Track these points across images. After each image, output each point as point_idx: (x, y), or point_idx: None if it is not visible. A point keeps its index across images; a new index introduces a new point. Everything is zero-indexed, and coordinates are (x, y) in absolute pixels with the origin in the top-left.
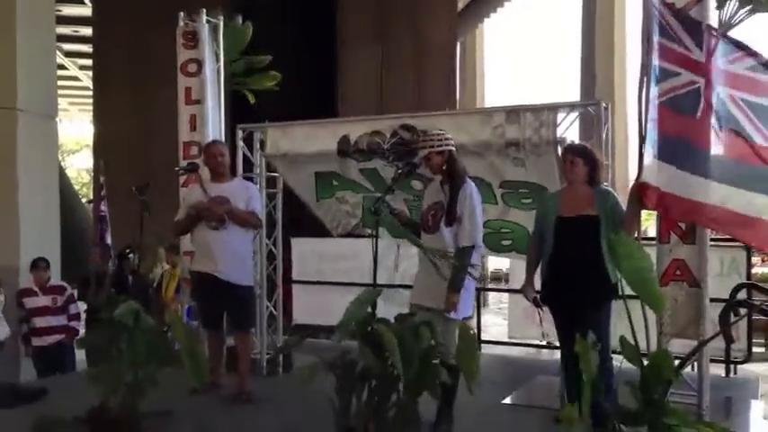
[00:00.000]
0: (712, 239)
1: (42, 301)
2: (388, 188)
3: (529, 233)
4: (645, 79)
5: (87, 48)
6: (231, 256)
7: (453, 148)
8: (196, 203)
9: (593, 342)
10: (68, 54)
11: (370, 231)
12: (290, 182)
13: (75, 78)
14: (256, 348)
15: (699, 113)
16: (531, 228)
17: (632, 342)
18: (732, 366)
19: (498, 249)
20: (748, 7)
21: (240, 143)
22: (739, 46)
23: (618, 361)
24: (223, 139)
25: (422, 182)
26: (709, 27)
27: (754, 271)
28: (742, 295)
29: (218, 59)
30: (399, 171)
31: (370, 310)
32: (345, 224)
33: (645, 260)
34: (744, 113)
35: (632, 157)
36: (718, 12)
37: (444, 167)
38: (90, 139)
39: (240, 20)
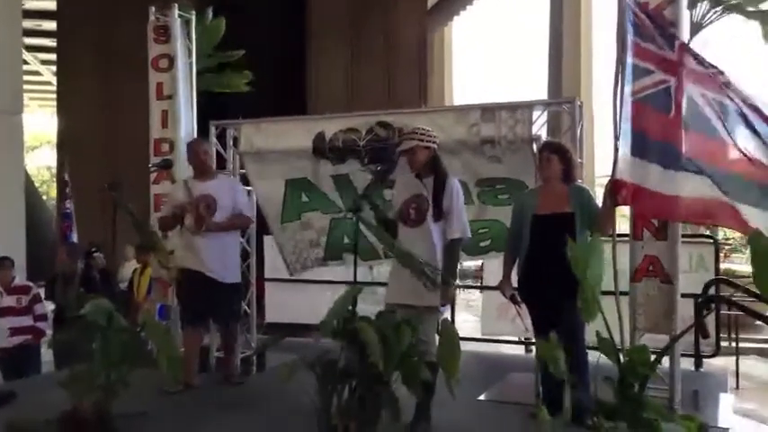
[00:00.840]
0: (682, 236)
1: (6, 301)
2: (361, 195)
3: (506, 228)
4: (620, 76)
5: (50, 42)
6: (218, 254)
7: (436, 146)
8: (181, 205)
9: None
10: (30, 48)
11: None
12: (260, 192)
13: (37, 73)
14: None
15: (672, 112)
16: (508, 223)
17: (607, 336)
18: (700, 360)
19: (476, 252)
20: (719, 8)
21: (213, 140)
22: (704, 64)
23: (594, 357)
24: (195, 135)
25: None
26: (675, 34)
27: (722, 267)
28: (712, 291)
29: (190, 55)
30: (373, 176)
31: (350, 307)
32: (306, 259)
33: (596, 267)
34: (714, 111)
35: (599, 153)
36: (689, 12)
37: (427, 163)
38: (51, 136)
39: (210, 14)
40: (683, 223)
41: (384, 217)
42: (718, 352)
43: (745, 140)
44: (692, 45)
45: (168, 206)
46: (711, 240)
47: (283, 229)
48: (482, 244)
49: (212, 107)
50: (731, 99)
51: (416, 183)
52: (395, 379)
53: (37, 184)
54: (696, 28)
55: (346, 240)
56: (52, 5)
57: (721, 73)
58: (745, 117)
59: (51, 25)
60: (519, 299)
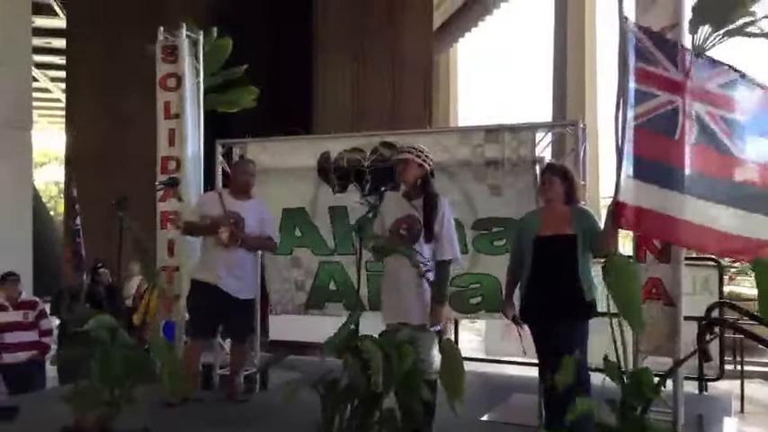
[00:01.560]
0: (686, 258)
1: (12, 316)
2: (358, 221)
3: (500, 285)
4: (621, 101)
5: (59, 59)
6: (236, 269)
7: (429, 168)
8: (217, 218)
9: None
10: (40, 66)
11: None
12: None
13: (46, 90)
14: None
15: (677, 133)
16: (503, 279)
17: (614, 359)
18: (704, 384)
19: (466, 310)
20: (721, 32)
21: (219, 158)
22: (714, 63)
23: (599, 379)
24: (202, 154)
25: None
26: (684, 47)
27: (725, 290)
28: (716, 314)
29: (197, 74)
30: (369, 208)
31: (352, 326)
32: (287, 303)
33: (635, 281)
34: (721, 128)
35: (603, 175)
36: (691, 37)
37: (419, 183)
38: (59, 152)
39: (215, 33)
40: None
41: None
42: (722, 375)
43: (755, 148)
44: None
45: (196, 213)
46: (716, 263)
47: (274, 261)
48: (472, 301)
49: (219, 125)
50: (736, 110)
51: (407, 204)
52: (395, 399)
53: (45, 200)
54: (698, 52)
55: (333, 287)
56: (62, 23)
57: (734, 70)
58: (755, 123)
59: (61, 43)
60: (521, 320)
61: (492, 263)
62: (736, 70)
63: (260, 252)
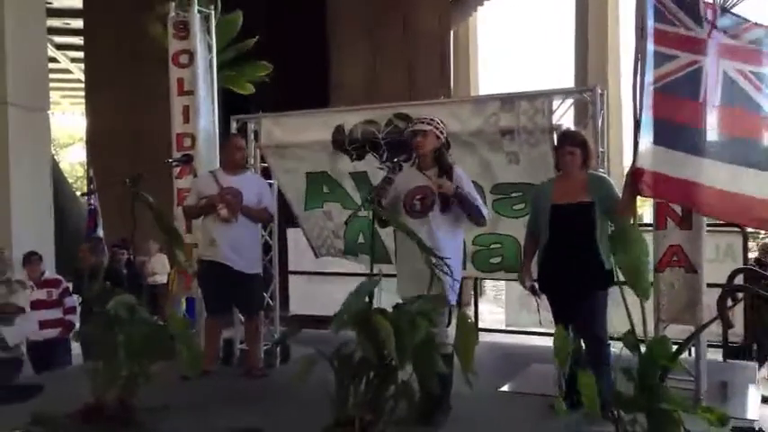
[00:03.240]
0: (708, 225)
1: (37, 294)
2: (378, 185)
3: (520, 246)
4: (639, 66)
5: (79, 40)
6: (240, 245)
7: (444, 140)
8: (211, 196)
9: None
10: (60, 47)
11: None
12: (282, 183)
13: (67, 71)
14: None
15: (701, 95)
16: (522, 240)
17: (629, 328)
18: (729, 351)
19: (486, 269)
20: None
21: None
22: (741, 18)
23: (616, 348)
24: (216, 130)
25: None
26: (707, 3)
27: (750, 256)
28: (739, 280)
29: (210, 50)
30: (389, 173)
31: (367, 300)
32: (330, 246)
33: (640, 248)
34: (753, 85)
35: (626, 142)
36: None
37: (435, 154)
38: (83, 133)
39: (218, 5)
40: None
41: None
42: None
43: None
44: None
45: (194, 195)
46: (739, 229)
47: (308, 216)
48: (492, 260)
49: (235, 101)
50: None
51: (420, 175)
52: (411, 371)
53: (71, 180)
54: (724, 7)
55: (361, 240)
56: (79, 3)
57: (761, 25)
58: None
59: (79, 23)
60: (538, 290)
61: (512, 225)
62: (763, 26)
63: (260, 225)
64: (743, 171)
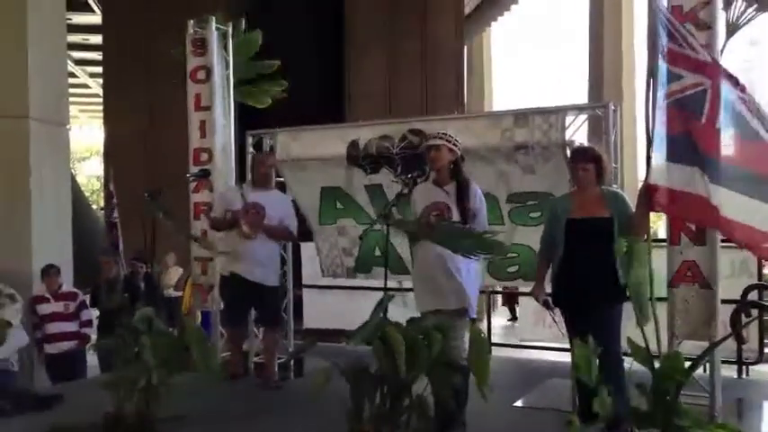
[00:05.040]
0: (723, 241)
1: (54, 307)
2: (389, 203)
3: (535, 256)
4: (651, 82)
5: (97, 55)
6: (260, 259)
7: (459, 154)
8: (235, 211)
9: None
10: (78, 62)
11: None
12: (298, 197)
13: (85, 86)
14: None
15: (704, 117)
16: (538, 248)
17: (643, 344)
18: (744, 367)
19: (504, 276)
20: (755, 6)
21: (249, 149)
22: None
23: (629, 363)
24: (233, 144)
25: None
26: (714, 28)
27: (765, 272)
28: (753, 296)
29: (227, 66)
30: (403, 188)
31: (381, 314)
32: (337, 267)
33: (643, 273)
34: (751, 111)
35: (641, 157)
36: (725, 12)
37: (451, 168)
38: (100, 146)
39: (243, 24)
40: None
41: (407, 228)
42: (761, 359)
43: None
44: (732, 45)
45: (220, 208)
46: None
47: (322, 230)
48: (510, 269)
49: (251, 116)
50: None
51: (436, 190)
52: (425, 385)
53: (87, 194)
54: (733, 29)
55: (377, 253)
56: (98, 19)
57: None
58: None
59: (98, 39)
60: (552, 304)
61: (528, 235)
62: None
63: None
64: (739, 197)
